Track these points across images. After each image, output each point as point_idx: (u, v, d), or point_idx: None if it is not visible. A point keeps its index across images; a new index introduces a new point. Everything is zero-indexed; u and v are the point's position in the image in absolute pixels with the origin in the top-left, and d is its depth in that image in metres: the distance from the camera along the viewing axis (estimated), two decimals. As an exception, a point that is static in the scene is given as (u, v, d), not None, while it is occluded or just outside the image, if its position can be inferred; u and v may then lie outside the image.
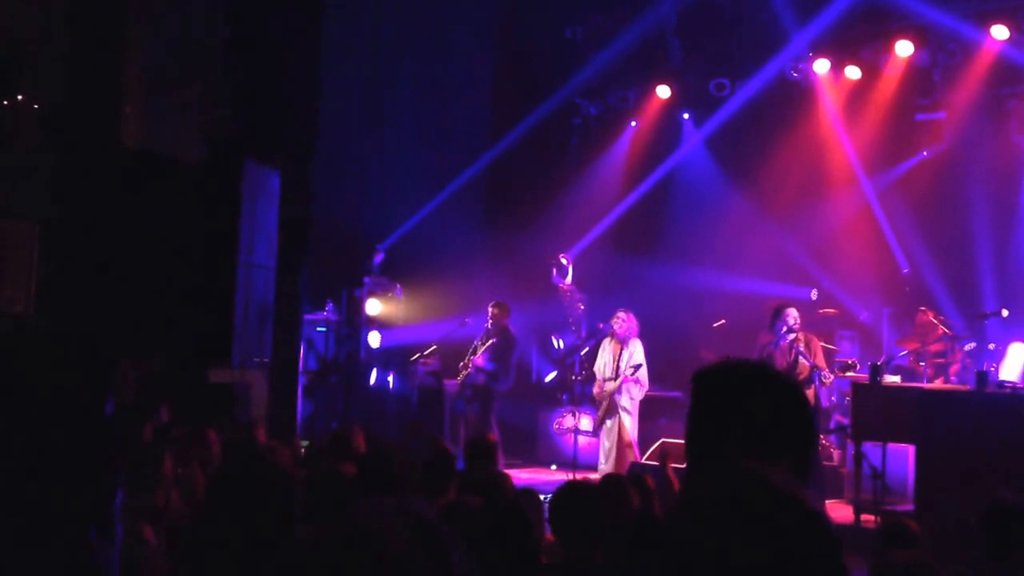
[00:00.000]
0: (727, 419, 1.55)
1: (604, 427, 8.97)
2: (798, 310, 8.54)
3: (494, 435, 7.21)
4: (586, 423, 10.13)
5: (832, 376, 8.51)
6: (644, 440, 9.41)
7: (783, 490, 1.27)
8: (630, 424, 8.90)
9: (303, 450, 6.03)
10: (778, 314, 8.41)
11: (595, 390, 9.19)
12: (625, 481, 4.36)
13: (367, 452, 4.41)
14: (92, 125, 8.89)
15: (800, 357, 8.22)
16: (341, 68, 11.50)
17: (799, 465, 1.52)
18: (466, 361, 9.97)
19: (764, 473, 1.28)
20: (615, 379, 8.88)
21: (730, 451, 1.47)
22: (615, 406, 8.89)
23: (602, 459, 8.95)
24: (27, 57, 8.67)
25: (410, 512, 1.79)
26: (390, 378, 11.68)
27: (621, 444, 8.83)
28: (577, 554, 3.29)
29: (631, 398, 8.89)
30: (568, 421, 9.82)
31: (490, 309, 10.04)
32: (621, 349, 8.90)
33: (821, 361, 8.36)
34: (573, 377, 9.61)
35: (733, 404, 1.55)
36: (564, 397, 11.43)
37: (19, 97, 8.62)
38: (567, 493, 3.49)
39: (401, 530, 1.39)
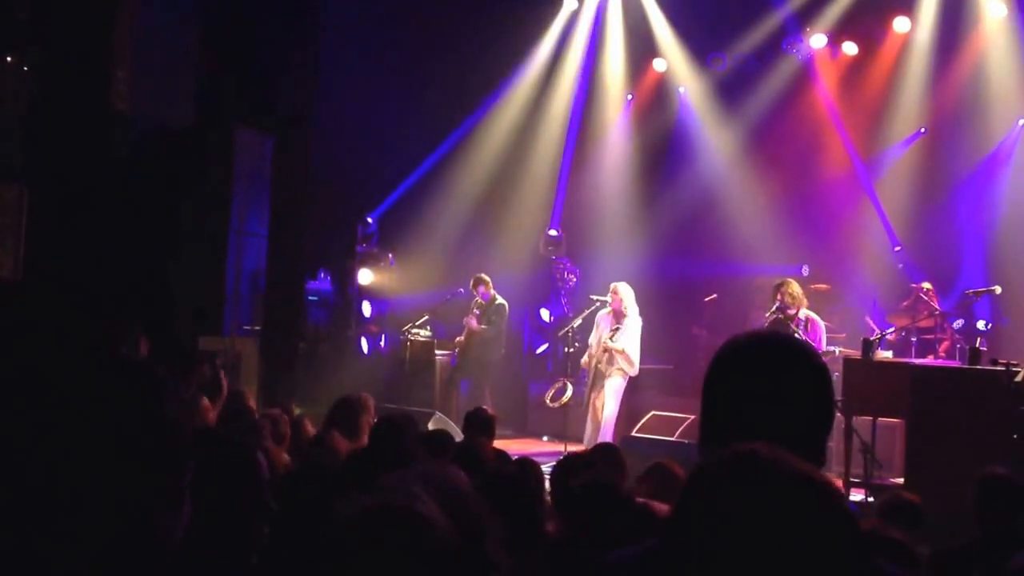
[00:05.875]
0: (774, 397, 1.51)
1: (592, 399, 8.89)
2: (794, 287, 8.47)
3: (490, 407, 7.20)
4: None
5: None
6: (633, 413, 9.44)
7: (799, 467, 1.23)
8: (612, 400, 8.71)
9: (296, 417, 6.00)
10: (775, 290, 8.41)
11: (583, 360, 9.11)
12: (618, 452, 4.37)
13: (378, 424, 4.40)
14: (83, 89, 8.78)
15: (795, 335, 8.21)
16: (334, 32, 11.36)
17: (821, 445, 1.52)
18: (465, 321, 10.13)
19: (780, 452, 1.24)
20: (604, 352, 8.81)
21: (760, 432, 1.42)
22: (603, 379, 8.80)
23: (587, 433, 8.87)
24: (17, 19, 8.53)
25: (439, 481, 1.78)
26: (381, 344, 11.69)
27: (600, 419, 8.73)
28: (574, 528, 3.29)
29: (621, 371, 8.72)
30: (562, 392, 9.83)
31: (472, 290, 10.20)
32: (616, 323, 8.86)
33: (820, 343, 8.28)
34: (568, 350, 9.59)
35: (780, 381, 1.51)
36: (550, 368, 11.51)
37: (8, 59, 8.49)
38: (564, 466, 3.49)
39: (435, 501, 1.38)
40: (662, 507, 3.79)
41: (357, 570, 1.27)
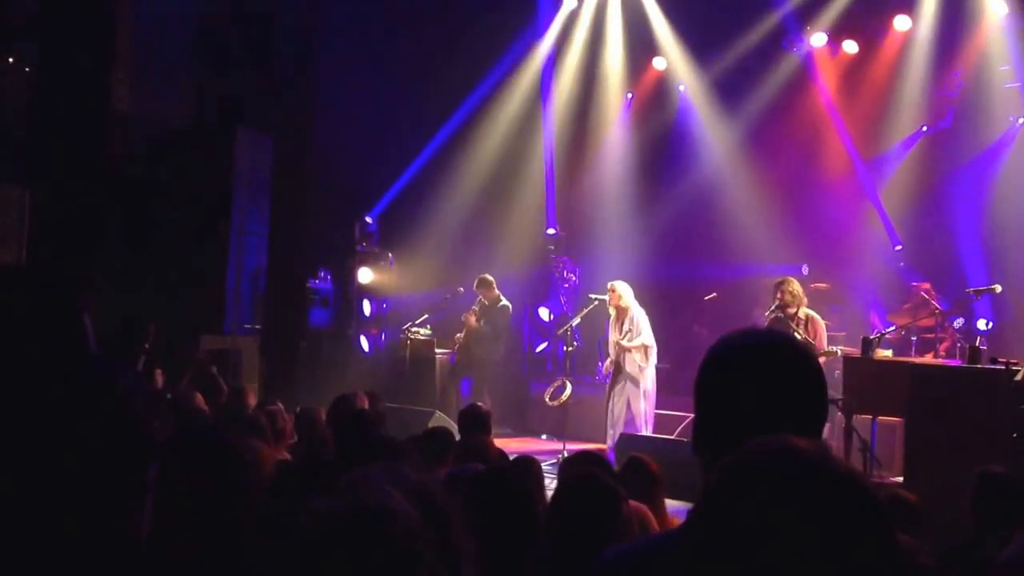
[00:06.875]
0: (775, 396, 1.49)
1: (612, 398, 8.86)
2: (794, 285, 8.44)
3: (486, 404, 7.20)
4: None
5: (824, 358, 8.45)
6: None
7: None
8: (640, 396, 8.67)
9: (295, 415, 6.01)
10: (775, 288, 8.40)
11: (605, 365, 9.10)
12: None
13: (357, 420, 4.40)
14: (83, 89, 8.79)
15: (795, 334, 8.18)
16: (333, 32, 11.37)
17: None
18: (464, 317, 10.12)
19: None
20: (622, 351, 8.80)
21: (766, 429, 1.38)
22: (624, 376, 8.78)
23: (608, 430, 8.86)
24: (17, 19, 8.55)
25: (404, 479, 1.79)
26: (382, 342, 11.69)
27: (627, 415, 8.71)
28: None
29: (639, 367, 8.68)
30: (561, 391, 9.82)
31: (476, 290, 10.15)
32: (621, 320, 8.85)
33: (821, 342, 8.27)
34: (567, 348, 9.57)
35: (781, 381, 1.51)
36: (549, 366, 11.50)
37: (11, 60, 8.51)
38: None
39: (404, 500, 1.38)
40: (635, 504, 3.78)
41: (334, 570, 1.27)
